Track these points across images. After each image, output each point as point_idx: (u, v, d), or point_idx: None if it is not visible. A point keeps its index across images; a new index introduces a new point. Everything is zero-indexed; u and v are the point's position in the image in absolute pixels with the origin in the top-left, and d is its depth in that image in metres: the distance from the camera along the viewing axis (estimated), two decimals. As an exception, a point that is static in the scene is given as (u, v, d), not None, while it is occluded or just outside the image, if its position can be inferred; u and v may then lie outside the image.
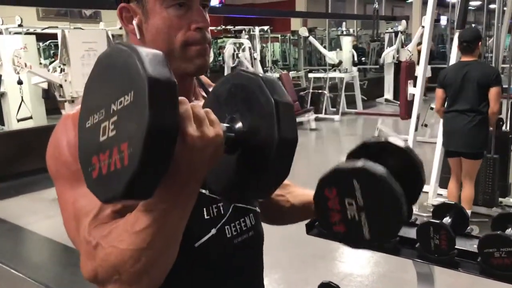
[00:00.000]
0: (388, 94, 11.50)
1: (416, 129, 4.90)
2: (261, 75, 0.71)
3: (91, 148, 0.64)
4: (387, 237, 0.87)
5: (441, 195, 4.37)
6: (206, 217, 0.91)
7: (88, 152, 0.65)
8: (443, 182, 4.33)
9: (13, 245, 4.19)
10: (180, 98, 0.63)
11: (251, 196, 0.74)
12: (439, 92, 3.78)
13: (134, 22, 0.88)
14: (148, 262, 0.71)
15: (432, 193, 4.36)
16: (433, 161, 4.56)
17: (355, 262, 3.57)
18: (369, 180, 0.83)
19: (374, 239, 0.84)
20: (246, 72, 0.73)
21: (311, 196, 0.89)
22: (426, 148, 6.54)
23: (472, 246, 1.62)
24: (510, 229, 1.61)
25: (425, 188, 4.62)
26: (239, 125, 0.71)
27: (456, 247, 1.61)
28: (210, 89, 1.06)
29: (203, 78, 1.08)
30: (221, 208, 0.94)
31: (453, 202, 1.77)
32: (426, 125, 6.94)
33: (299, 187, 1.19)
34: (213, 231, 0.92)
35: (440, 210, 1.77)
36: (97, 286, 0.76)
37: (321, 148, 7.81)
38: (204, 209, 0.91)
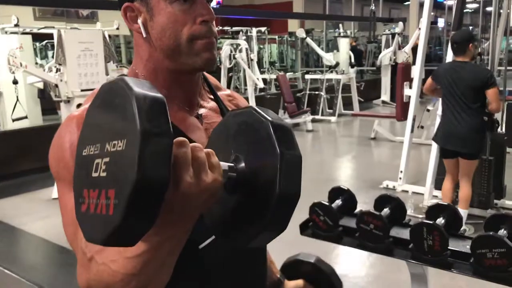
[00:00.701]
0: (385, 95, 11.53)
1: (412, 131, 4.92)
2: (271, 118, 0.66)
3: (84, 179, 0.63)
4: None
5: (436, 196, 4.38)
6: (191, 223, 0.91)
7: (81, 182, 0.63)
8: (438, 184, 4.34)
9: (8, 245, 4.17)
10: (180, 139, 0.61)
11: (241, 241, 0.70)
12: (429, 80, 3.84)
13: (139, 21, 0.88)
14: (139, 286, 0.70)
15: (428, 195, 4.36)
16: (428, 163, 4.57)
17: (350, 263, 3.56)
18: None
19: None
20: (257, 111, 0.68)
21: None
22: (422, 150, 6.56)
23: (465, 247, 1.63)
24: (503, 230, 1.62)
25: (421, 189, 4.63)
26: (242, 165, 0.68)
27: (449, 247, 1.61)
28: (219, 93, 1.04)
29: (211, 78, 1.07)
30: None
31: (446, 203, 1.78)
32: (422, 127, 6.95)
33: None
34: None
35: (433, 211, 1.78)
36: None
37: (318, 149, 7.81)
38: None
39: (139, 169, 0.54)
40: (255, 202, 0.67)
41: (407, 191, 4.89)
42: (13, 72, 5.49)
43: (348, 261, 3.60)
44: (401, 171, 4.92)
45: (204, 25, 0.86)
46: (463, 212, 3.78)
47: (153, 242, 0.66)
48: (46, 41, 10.61)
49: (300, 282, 1.21)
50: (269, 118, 0.66)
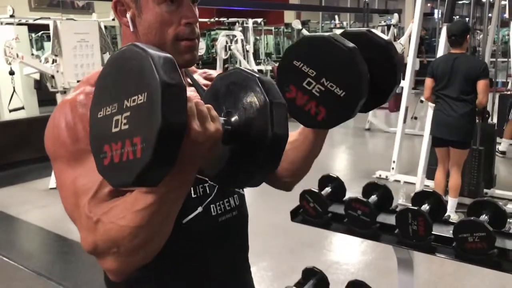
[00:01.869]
0: (380, 87, 11.54)
1: (404, 122, 4.98)
2: (258, 75, 0.76)
3: (103, 137, 0.70)
4: (358, 79, 0.89)
5: (428, 186, 4.45)
6: (193, 195, 0.98)
7: (100, 140, 0.70)
8: (430, 174, 4.41)
9: (6, 234, 4.23)
10: (187, 95, 0.68)
11: (241, 184, 0.81)
12: (428, 81, 3.84)
13: (128, 15, 0.94)
14: (145, 239, 0.77)
15: (419, 184, 4.43)
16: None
17: (342, 250, 3.64)
18: (302, 50, 0.91)
19: (348, 94, 0.88)
20: (244, 71, 0.77)
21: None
22: (416, 141, 6.62)
23: (448, 231, 1.69)
24: (484, 215, 1.68)
25: (412, 179, 4.70)
26: (235, 118, 0.76)
27: (433, 232, 1.68)
28: (194, 75, 1.12)
29: None
30: (207, 188, 1.00)
31: (431, 190, 1.84)
32: (416, 118, 7.02)
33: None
34: (200, 209, 0.98)
35: (419, 197, 1.84)
36: (96, 257, 0.81)
37: (313, 140, 7.85)
38: (192, 188, 0.97)
39: (163, 115, 0.62)
40: (249, 147, 0.76)
41: (399, 181, 4.96)
42: (10, 63, 5.51)
43: (340, 248, 3.68)
44: (394, 161, 4.98)
45: (188, 26, 0.93)
46: (453, 200, 3.86)
47: (160, 192, 0.73)
48: (41, 32, 10.58)
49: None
50: (256, 75, 0.76)
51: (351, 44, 0.89)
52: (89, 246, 0.80)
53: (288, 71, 0.92)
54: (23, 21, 8.12)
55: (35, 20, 8.03)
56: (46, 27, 7.88)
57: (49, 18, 7.60)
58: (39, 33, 10.77)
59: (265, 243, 3.69)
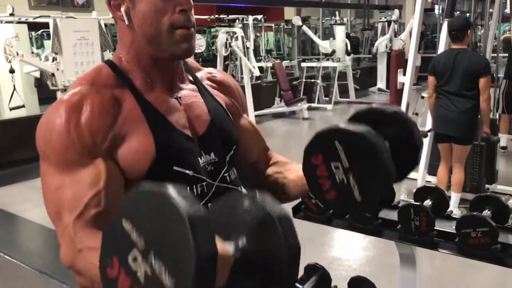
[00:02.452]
0: (381, 83, 11.54)
1: (406, 118, 4.96)
2: (276, 213, 0.72)
3: (118, 248, 0.64)
4: (377, 195, 0.88)
5: (429, 182, 4.44)
6: None
7: (114, 248, 0.65)
8: (431, 169, 4.40)
9: (7, 232, 4.23)
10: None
11: None
12: (431, 79, 3.84)
13: (122, 9, 0.93)
14: None
15: (421, 180, 4.42)
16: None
17: (344, 246, 3.64)
18: (350, 139, 0.87)
19: (364, 200, 0.87)
20: (259, 203, 0.73)
21: None
22: (417, 137, 6.60)
23: (451, 227, 1.69)
24: (487, 210, 1.68)
25: (414, 175, 4.68)
26: (245, 246, 0.73)
27: (435, 228, 1.67)
28: (198, 74, 1.11)
29: (191, 62, 1.13)
30: (205, 187, 0.99)
31: (434, 186, 1.83)
32: (417, 114, 6.98)
33: (297, 163, 1.19)
34: None
35: (421, 193, 1.84)
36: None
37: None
38: (189, 188, 0.96)
39: None
40: (258, 281, 0.73)
41: (400, 177, 4.94)
42: (10, 61, 5.51)
43: (342, 244, 3.68)
44: (395, 157, 4.97)
45: (183, 14, 0.92)
46: (455, 196, 3.85)
47: None
48: (41, 30, 10.57)
49: None
50: (275, 212, 0.72)
51: (393, 167, 0.86)
52: (67, 263, 0.83)
53: (326, 144, 0.89)
54: (23, 19, 8.10)
55: (35, 18, 8.02)
56: (46, 25, 7.86)
57: (49, 16, 7.58)
58: (39, 31, 10.76)
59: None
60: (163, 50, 0.94)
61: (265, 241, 0.73)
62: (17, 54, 5.18)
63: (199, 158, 1.00)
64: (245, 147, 1.15)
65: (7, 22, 7.52)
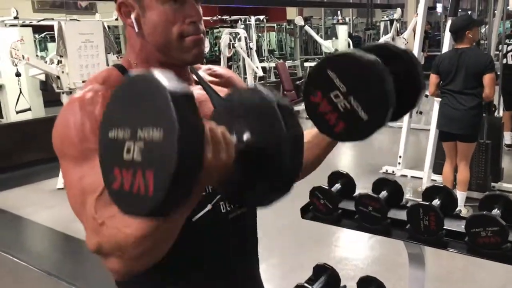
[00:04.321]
0: (384, 82, 11.50)
1: (410, 116, 4.97)
2: (277, 100, 0.73)
3: (113, 159, 0.67)
4: (382, 108, 0.88)
5: (435, 180, 4.44)
6: (202, 193, 0.98)
7: (110, 161, 0.68)
8: (436, 168, 4.40)
9: (15, 235, 4.25)
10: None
11: (250, 203, 0.80)
12: (433, 78, 3.85)
13: (132, 16, 0.94)
14: (150, 247, 0.76)
15: (426, 179, 4.43)
16: (427, 148, 4.63)
17: (351, 246, 3.64)
18: (340, 62, 0.90)
19: (371, 117, 0.88)
20: (263, 93, 0.75)
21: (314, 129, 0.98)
22: (421, 135, 6.61)
23: (460, 226, 1.69)
24: (496, 209, 1.68)
25: (419, 174, 4.70)
26: (249, 138, 0.75)
27: (444, 227, 1.68)
28: (199, 72, 1.12)
29: None
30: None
31: (442, 185, 1.84)
32: (421, 112, 7.00)
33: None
34: (209, 206, 0.98)
35: (429, 192, 1.84)
36: (100, 256, 0.81)
37: (318, 137, 7.83)
38: None
39: (179, 159, 0.60)
40: (261, 171, 0.75)
41: (406, 176, 4.95)
42: (16, 65, 5.53)
43: (349, 243, 3.68)
44: (400, 156, 4.98)
45: (192, 25, 0.93)
46: (461, 194, 3.85)
47: None
48: (45, 33, 10.61)
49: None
50: (274, 99, 0.74)
51: (389, 77, 0.88)
52: (93, 246, 0.80)
53: (320, 78, 0.91)
54: (27, 22, 8.13)
55: (39, 21, 8.05)
56: (50, 28, 7.90)
57: (53, 19, 7.61)
58: (43, 34, 10.80)
59: (274, 239, 3.70)
60: (173, 57, 0.96)
61: (267, 131, 0.74)
62: (23, 58, 5.19)
63: None
64: None
65: (11, 25, 7.56)
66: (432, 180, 4.49)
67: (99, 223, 0.80)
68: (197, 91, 1.06)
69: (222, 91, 1.11)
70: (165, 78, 0.64)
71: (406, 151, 5.07)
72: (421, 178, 4.55)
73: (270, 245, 3.63)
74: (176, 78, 0.65)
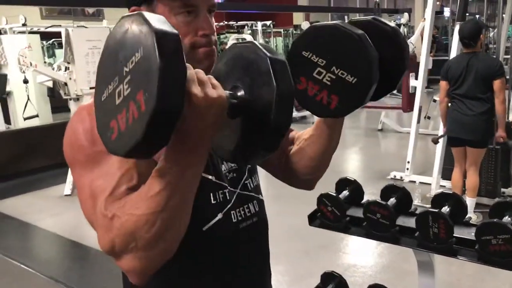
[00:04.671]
0: (392, 87, 11.47)
1: (418, 121, 4.94)
2: (270, 55, 0.74)
3: (108, 115, 0.69)
4: (368, 65, 0.88)
5: (444, 186, 4.40)
6: (213, 202, 0.97)
7: (106, 120, 0.70)
8: (445, 174, 4.36)
9: (23, 241, 4.26)
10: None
11: (258, 155, 0.78)
12: (443, 84, 3.82)
13: None
14: (163, 225, 0.74)
15: (435, 185, 4.39)
16: (435, 153, 4.59)
17: (359, 253, 3.61)
18: (308, 40, 0.91)
19: (359, 80, 0.88)
20: (241, 43, 0.78)
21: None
22: (429, 141, 6.55)
23: (470, 234, 1.66)
24: (507, 217, 1.65)
25: (428, 179, 4.66)
26: (240, 92, 0.76)
27: (454, 235, 1.65)
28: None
29: None
30: (227, 194, 1.00)
31: (451, 192, 1.81)
32: (429, 118, 6.96)
33: None
34: (220, 215, 0.97)
35: (439, 199, 1.81)
36: (115, 258, 0.79)
37: (325, 142, 7.79)
38: (211, 194, 0.97)
39: (160, 58, 0.62)
40: (258, 115, 0.75)
41: (414, 182, 4.91)
42: (23, 72, 5.57)
43: (357, 250, 3.65)
44: (408, 162, 4.94)
45: (205, 37, 0.93)
46: (471, 200, 3.81)
47: (174, 173, 0.73)
48: (53, 39, 10.68)
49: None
50: (268, 54, 0.74)
51: (359, 31, 0.88)
52: (106, 245, 0.78)
53: (297, 63, 0.91)
54: (35, 29, 8.19)
55: (46, 28, 8.11)
56: (57, 34, 7.95)
57: (60, 25, 7.66)
58: (51, 41, 10.87)
59: (281, 246, 3.67)
60: None
61: (259, 85, 0.74)
62: (31, 65, 5.23)
63: (220, 166, 1.01)
64: None
65: (19, 32, 7.62)
66: (441, 186, 4.45)
67: (110, 217, 0.78)
68: None
69: None
70: (139, 12, 0.68)
71: (415, 156, 5.03)
72: (430, 184, 4.51)
73: (277, 251, 3.58)
74: (163, 20, 0.67)
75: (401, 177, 5.04)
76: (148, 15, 0.66)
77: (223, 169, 1.01)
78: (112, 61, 0.70)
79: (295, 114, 9.00)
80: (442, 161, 4.42)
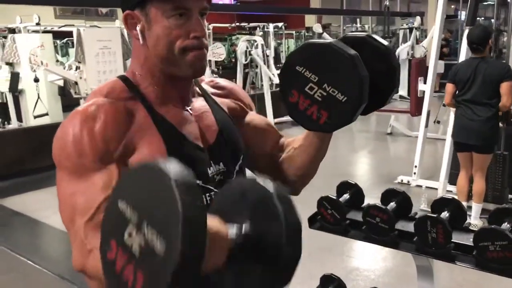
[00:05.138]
0: (403, 90, 11.41)
1: (426, 126, 4.92)
2: (275, 191, 0.73)
3: (115, 230, 0.66)
4: (359, 85, 0.89)
5: (450, 191, 4.38)
6: None
7: (111, 230, 0.68)
8: (453, 179, 4.34)
9: (31, 238, 4.32)
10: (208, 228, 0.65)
11: None
12: (449, 87, 3.81)
13: (138, 28, 0.96)
14: None
15: (441, 190, 4.36)
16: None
17: (362, 256, 3.60)
18: (303, 56, 0.93)
19: (349, 99, 0.90)
20: (260, 184, 0.75)
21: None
22: (439, 145, 6.51)
23: (468, 239, 1.66)
24: (506, 223, 1.65)
25: (435, 184, 4.63)
26: (247, 231, 0.74)
27: (453, 240, 1.65)
28: (202, 84, 1.13)
29: None
30: (213, 196, 1.01)
31: (451, 197, 1.81)
32: (438, 122, 6.91)
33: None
34: None
35: (438, 204, 1.81)
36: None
37: (334, 145, 7.66)
38: None
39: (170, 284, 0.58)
40: (260, 261, 0.74)
41: (421, 186, 4.89)
42: (34, 71, 5.64)
43: (360, 254, 3.64)
44: (416, 166, 4.92)
45: (196, 39, 0.94)
46: (477, 206, 3.79)
47: None
48: (66, 38, 10.79)
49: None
50: (272, 190, 0.73)
51: (352, 51, 0.90)
52: (78, 267, 0.83)
53: (291, 76, 0.93)
54: (49, 28, 8.29)
55: (59, 27, 8.20)
56: (71, 34, 8.03)
57: (73, 25, 7.75)
58: (64, 40, 10.98)
59: (285, 248, 3.67)
60: (176, 69, 0.97)
61: (266, 222, 0.73)
62: (41, 64, 5.30)
63: (208, 168, 1.02)
64: (257, 140, 1.17)
65: (33, 31, 7.71)
66: (447, 191, 4.42)
67: (88, 249, 0.82)
68: (199, 102, 1.07)
69: (223, 103, 1.12)
70: (183, 188, 0.61)
71: (422, 161, 5.01)
72: (436, 189, 4.49)
73: (281, 253, 3.60)
74: (195, 186, 0.63)
75: (408, 181, 5.02)
76: (187, 203, 0.60)
77: (211, 171, 1.02)
78: (142, 188, 0.66)
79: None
80: (449, 166, 4.40)
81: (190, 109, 1.04)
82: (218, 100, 1.11)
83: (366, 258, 3.57)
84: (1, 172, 5.61)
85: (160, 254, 0.59)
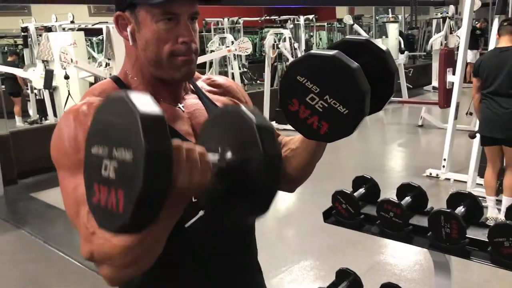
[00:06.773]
0: (436, 81, 11.15)
1: (455, 118, 4.80)
2: (256, 122, 0.77)
3: (93, 174, 0.72)
4: (361, 98, 0.89)
5: (480, 184, 4.27)
6: (193, 200, 1.00)
7: (91, 176, 0.73)
8: (483, 172, 4.23)
9: (61, 229, 4.45)
10: (176, 144, 0.69)
11: (232, 222, 0.83)
12: (474, 81, 3.73)
13: (128, 29, 0.97)
14: (136, 257, 0.80)
15: (471, 183, 4.26)
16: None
17: (385, 250, 3.56)
18: (304, 66, 0.92)
19: (351, 111, 0.90)
20: (245, 113, 0.79)
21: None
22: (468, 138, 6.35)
23: (483, 235, 1.63)
24: (524, 218, 1.60)
25: (464, 177, 4.53)
26: (230, 157, 0.78)
27: (467, 236, 1.62)
28: (198, 82, 1.14)
29: None
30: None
31: (467, 192, 1.77)
32: (471, 114, 6.71)
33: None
34: (201, 212, 1.00)
35: (454, 199, 1.78)
36: (94, 263, 0.86)
37: (364, 137, 7.64)
38: None
39: (144, 183, 0.63)
40: (241, 188, 0.78)
41: (449, 179, 4.78)
42: (64, 68, 5.79)
43: (383, 248, 3.60)
44: (444, 159, 4.82)
45: (184, 44, 0.95)
46: (508, 200, 3.68)
47: None
48: (101, 35, 11.02)
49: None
50: (254, 121, 0.77)
51: (354, 64, 0.89)
52: (86, 254, 0.85)
53: (292, 86, 0.93)
54: (82, 26, 8.50)
55: (93, 25, 8.39)
56: (105, 31, 8.20)
57: (107, 22, 7.91)
58: (100, 37, 11.23)
59: (308, 241, 3.70)
60: (164, 73, 0.98)
61: (247, 150, 0.77)
62: (71, 61, 5.44)
63: None
64: None
65: (69, 29, 7.91)
66: (477, 184, 4.32)
67: (91, 232, 0.84)
68: (192, 100, 1.08)
69: (219, 101, 1.13)
70: (139, 101, 0.66)
71: (451, 153, 4.89)
72: (466, 182, 4.38)
73: (303, 247, 3.61)
74: (150, 100, 0.67)
75: (437, 175, 4.92)
76: (147, 117, 0.65)
77: None
78: (107, 123, 0.71)
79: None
80: (478, 159, 4.29)
81: (182, 106, 1.06)
82: (214, 97, 1.12)
83: (389, 253, 3.53)
84: (40, 166, 5.80)
85: (130, 161, 0.64)
